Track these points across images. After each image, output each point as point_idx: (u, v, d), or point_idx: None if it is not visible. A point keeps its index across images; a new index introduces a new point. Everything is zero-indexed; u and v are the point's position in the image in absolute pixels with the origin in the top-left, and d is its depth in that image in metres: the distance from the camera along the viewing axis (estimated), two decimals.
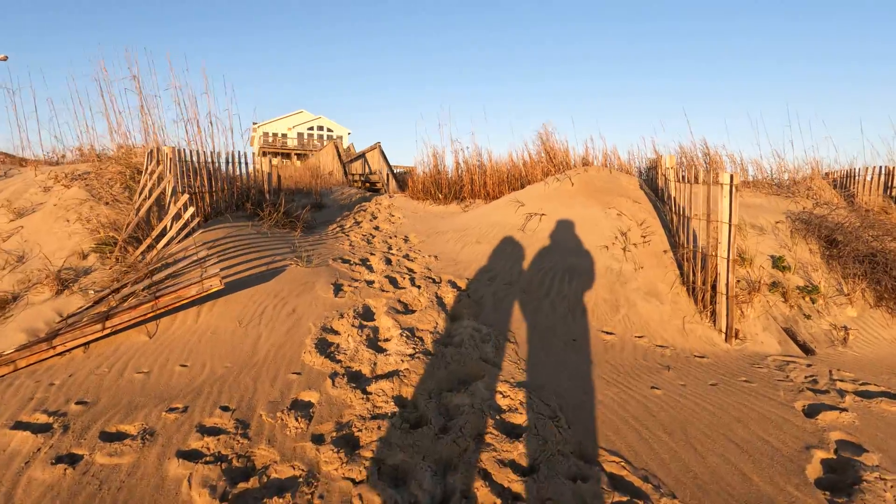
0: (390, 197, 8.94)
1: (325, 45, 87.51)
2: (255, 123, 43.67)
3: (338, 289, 3.75)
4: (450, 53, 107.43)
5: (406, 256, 4.89)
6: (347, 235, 5.91)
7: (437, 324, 3.28)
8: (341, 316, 3.27)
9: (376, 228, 6.58)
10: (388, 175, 13.10)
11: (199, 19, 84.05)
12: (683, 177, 4.13)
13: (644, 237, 4.57)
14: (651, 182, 6.10)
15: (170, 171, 3.69)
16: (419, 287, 3.90)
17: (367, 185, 13.98)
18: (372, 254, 4.95)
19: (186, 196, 3.27)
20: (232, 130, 5.25)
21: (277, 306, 3.32)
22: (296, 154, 38.13)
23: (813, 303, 3.89)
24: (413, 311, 3.48)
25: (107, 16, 76.35)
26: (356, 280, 4.00)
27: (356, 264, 4.46)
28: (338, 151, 13.26)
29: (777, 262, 4.22)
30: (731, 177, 3.44)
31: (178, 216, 3.52)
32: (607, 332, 3.48)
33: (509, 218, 5.40)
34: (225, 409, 2.26)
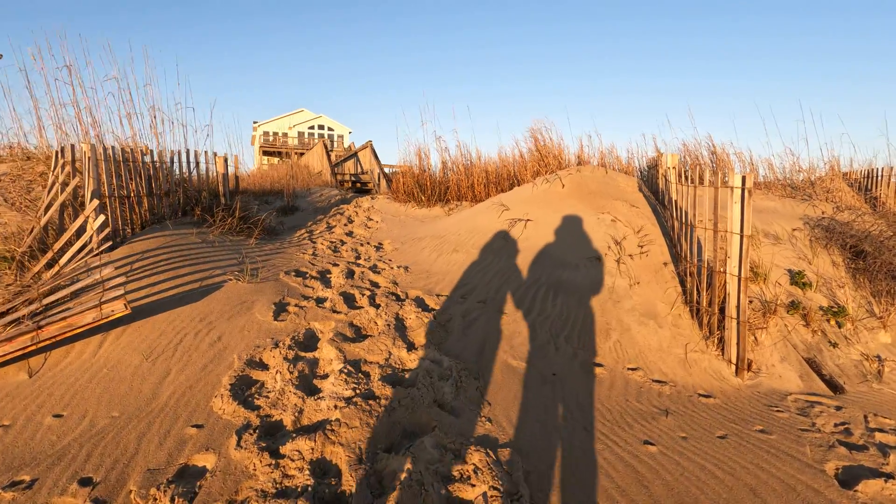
0: (372, 199, 8.39)
1: (325, 45, 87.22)
2: (255, 122, 43.28)
3: (281, 309, 3.22)
4: (451, 53, 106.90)
5: (373, 268, 4.35)
6: (314, 242, 5.37)
7: (389, 354, 2.75)
8: (276, 345, 2.74)
9: (349, 234, 6.03)
10: (379, 175, 12.56)
11: (203, 20, 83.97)
12: (687, 177, 3.57)
13: (641, 247, 4.01)
14: (651, 183, 5.53)
15: (89, 172, 3.16)
16: (378, 306, 3.37)
17: (358, 185, 13.44)
18: (335, 264, 4.41)
19: (97, 201, 2.75)
20: (185, 126, 4.73)
21: (201, 333, 2.80)
22: (296, 153, 37.73)
23: (839, 327, 3.31)
24: (365, 338, 2.95)
25: (107, 16, 76.39)
26: (307, 298, 3.47)
27: (312, 278, 3.92)
28: (326, 151, 12.72)
29: (796, 278, 3.65)
30: (744, 178, 2.88)
31: (99, 227, 3.01)
32: (595, 364, 2.94)
33: (492, 224, 4.86)
34: (85, 482, 1.74)
